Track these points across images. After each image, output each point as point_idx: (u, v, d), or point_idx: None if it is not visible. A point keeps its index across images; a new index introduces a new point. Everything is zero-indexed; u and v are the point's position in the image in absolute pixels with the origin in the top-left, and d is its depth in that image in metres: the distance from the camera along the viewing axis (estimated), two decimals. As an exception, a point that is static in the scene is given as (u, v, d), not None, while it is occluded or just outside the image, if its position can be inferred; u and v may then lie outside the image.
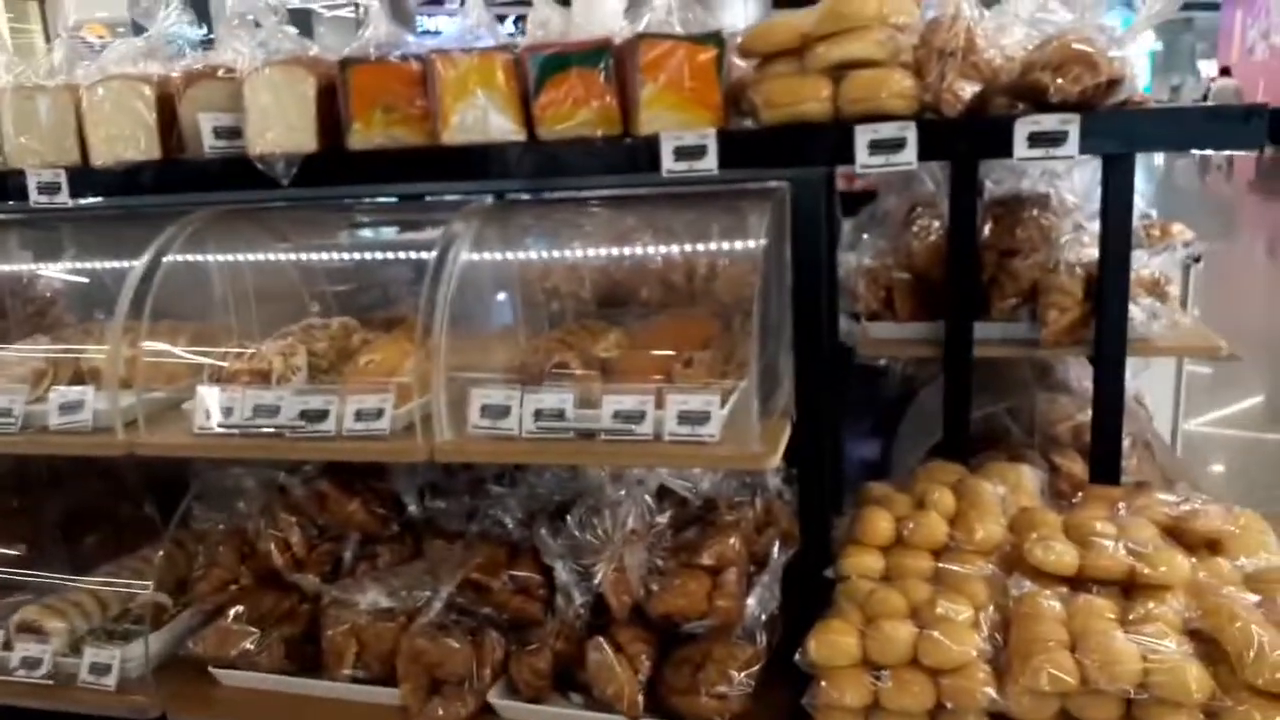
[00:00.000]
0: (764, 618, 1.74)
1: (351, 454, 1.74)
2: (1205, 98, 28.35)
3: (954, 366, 2.10)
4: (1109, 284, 1.91)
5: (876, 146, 1.50)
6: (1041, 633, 1.48)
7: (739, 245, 1.70)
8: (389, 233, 1.98)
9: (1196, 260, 4.05)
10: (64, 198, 1.82)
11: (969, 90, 1.48)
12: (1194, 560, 1.66)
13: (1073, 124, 1.43)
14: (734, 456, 1.55)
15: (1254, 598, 1.55)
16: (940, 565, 1.70)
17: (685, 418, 1.56)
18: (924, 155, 1.49)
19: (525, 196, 1.91)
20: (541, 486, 1.99)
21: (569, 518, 1.78)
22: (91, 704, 1.95)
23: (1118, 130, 1.48)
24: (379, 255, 2.04)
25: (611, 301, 1.99)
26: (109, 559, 2.24)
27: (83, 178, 1.82)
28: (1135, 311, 2.02)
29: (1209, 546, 1.77)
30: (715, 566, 1.76)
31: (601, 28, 1.66)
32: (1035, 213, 2.11)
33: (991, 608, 1.57)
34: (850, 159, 1.51)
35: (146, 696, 1.95)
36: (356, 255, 2.10)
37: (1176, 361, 4.16)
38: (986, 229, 2.12)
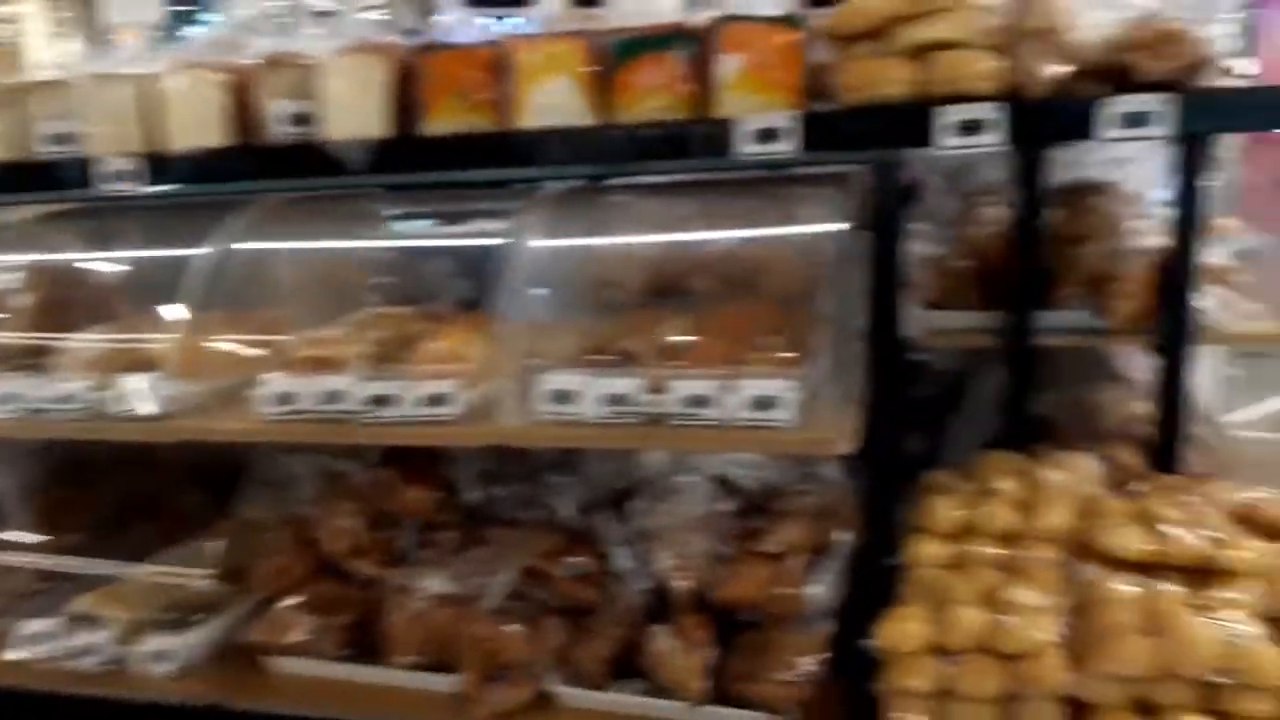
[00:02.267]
0: (827, 605, 1.73)
1: (420, 438, 1.74)
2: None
3: (1015, 356, 2.08)
4: (1179, 270, 1.90)
5: (961, 128, 1.49)
6: (1116, 618, 1.47)
7: (815, 230, 1.69)
8: (464, 220, 1.98)
9: (1253, 255, 4.04)
10: (141, 185, 1.82)
11: (1057, 72, 1.47)
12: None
13: (1171, 104, 1.41)
14: (806, 441, 1.54)
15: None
16: (1008, 552, 1.69)
17: (756, 402, 1.55)
18: (1011, 137, 1.48)
19: (611, 182, 1.90)
20: (599, 475, 1.99)
21: (627, 506, 1.77)
22: (152, 691, 1.96)
23: (1214, 110, 1.46)
24: (452, 243, 2.04)
25: (683, 289, 1.98)
26: (165, 547, 2.24)
27: (159, 165, 1.82)
28: (1205, 300, 2.01)
29: (1273, 535, 1.76)
30: (778, 554, 1.76)
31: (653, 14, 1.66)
32: (1098, 200, 2.09)
33: (1062, 594, 1.56)
34: (930, 142, 1.50)
35: (206, 684, 1.95)
36: (424, 242, 2.10)
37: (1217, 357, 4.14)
38: (1051, 216, 2.10)
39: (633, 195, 1.88)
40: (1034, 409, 2.42)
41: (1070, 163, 2.21)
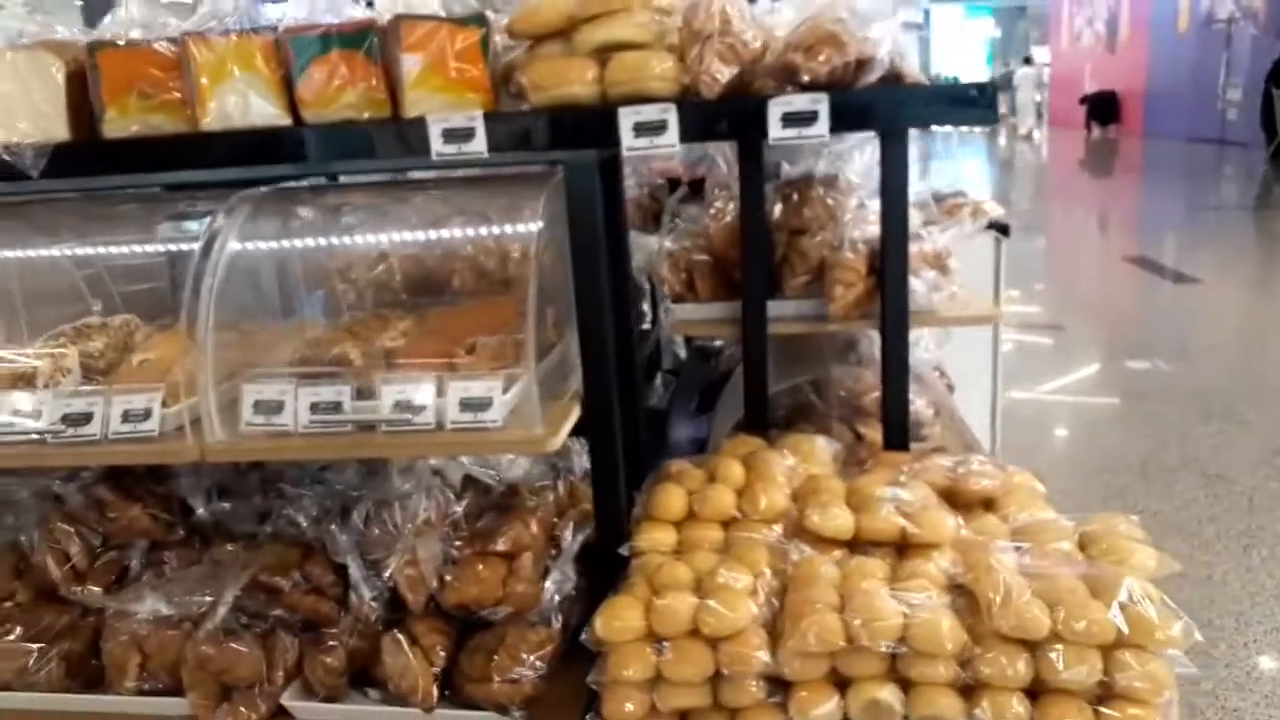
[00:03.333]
0: (558, 599, 1.75)
1: (118, 458, 1.67)
2: (1009, 84, 30.01)
3: (750, 344, 2.15)
4: (889, 259, 2.00)
5: (640, 129, 1.51)
6: (812, 595, 1.54)
7: (514, 229, 1.69)
8: (167, 225, 1.89)
9: (1003, 232, 4.29)
10: None
11: (727, 72, 1.51)
12: (961, 519, 1.76)
13: (821, 103, 1.48)
14: (516, 441, 1.55)
15: (1021, 548, 1.64)
16: (729, 535, 1.75)
17: (467, 405, 1.55)
18: (685, 137, 1.51)
19: (304, 184, 1.85)
20: (340, 484, 1.95)
21: (355, 512, 1.74)
22: None
23: (864, 109, 1.53)
24: (159, 248, 1.95)
25: (415, 290, 1.96)
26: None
27: None
28: (916, 284, 2.12)
29: (985, 505, 1.88)
30: (510, 552, 1.76)
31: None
32: (822, 192, 2.18)
33: (769, 574, 1.62)
34: (616, 142, 1.53)
35: (-90, 729, 1.82)
36: (136, 249, 2.00)
37: (993, 332, 4.40)
38: (778, 209, 2.18)
39: (340, 194, 1.84)
40: (786, 391, 2.53)
41: (803, 155, 2.30)
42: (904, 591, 1.54)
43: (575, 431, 1.69)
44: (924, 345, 2.99)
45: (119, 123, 1.63)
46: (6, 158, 1.61)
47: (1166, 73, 22.17)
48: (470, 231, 1.79)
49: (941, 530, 1.67)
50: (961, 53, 35.92)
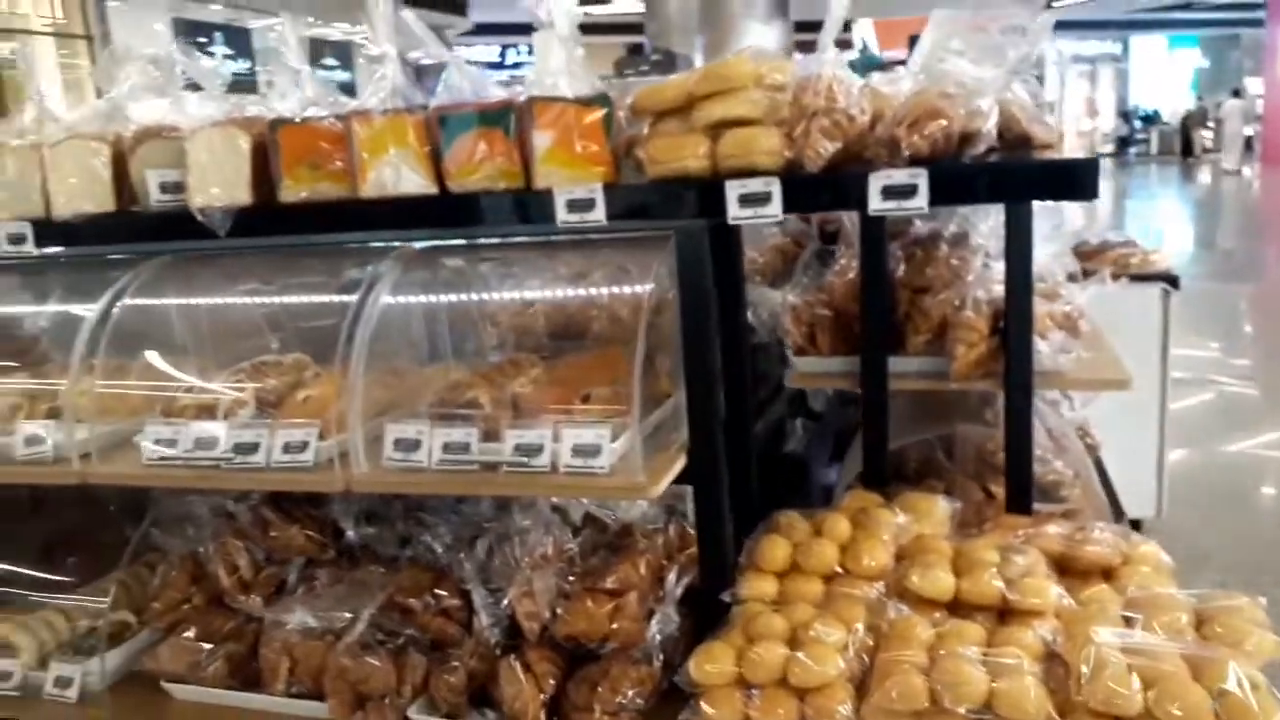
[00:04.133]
0: (660, 639, 1.84)
1: (278, 484, 1.88)
2: (1203, 119, 27.97)
3: (870, 399, 2.19)
4: (1012, 321, 2.00)
5: (746, 200, 1.61)
6: (902, 655, 1.57)
7: (631, 289, 1.82)
8: (338, 276, 2.12)
9: (1172, 284, 4.10)
10: (29, 247, 1.99)
11: (830, 147, 1.59)
12: (1073, 587, 1.74)
13: (920, 178, 1.53)
14: (620, 487, 1.66)
15: (1131, 620, 1.62)
16: (829, 589, 1.80)
17: (579, 450, 1.67)
18: (789, 208, 1.60)
19: (450, 244, 2.05)
20: (475, 515, 2.12)
21: (478, 543, 1.90)
22: (54, 716, 2.10)
23: (963, 183, 1.57)
24: (330, 298, 2.17)
25: (554, 335, 2.12)
26: (89, 581, 2.40)
27: (45, 229, 1.99)
28: (1041, 346, 2.11)
29: (1104, 574, 1.85)
30: (618, 590, 1.87)
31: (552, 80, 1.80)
32: (948, 251, 2.20)
33: (863, 630, 1.66)
34: (724, 211, 1.63)
35: (103, 709, 2.09)
36: (311, 298, 2.24)
37: (1160, 387, 4.19)
38: (902, 267, 2.22)
39: (482, 253, 2.02)
40: (913, 446, 2.54)
41: (934, 214, 2.33)
42: (995, 658, 1.55)
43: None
44: (1067, 404, 2.93)
45: (293, 189, 1.86)
46: (200, 218, 1.87)
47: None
48: (594, 290, 1.93)
49: (1043, 597, 1.66)
50: (1165, 84, 33.97)
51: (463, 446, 1.74)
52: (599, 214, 1.67)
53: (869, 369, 2.16)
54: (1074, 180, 1.53)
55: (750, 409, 2.06)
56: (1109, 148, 34.66)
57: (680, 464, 1.72)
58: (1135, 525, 4.36)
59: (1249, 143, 27.05)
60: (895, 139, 1.58)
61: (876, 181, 1.55)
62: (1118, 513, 2.96)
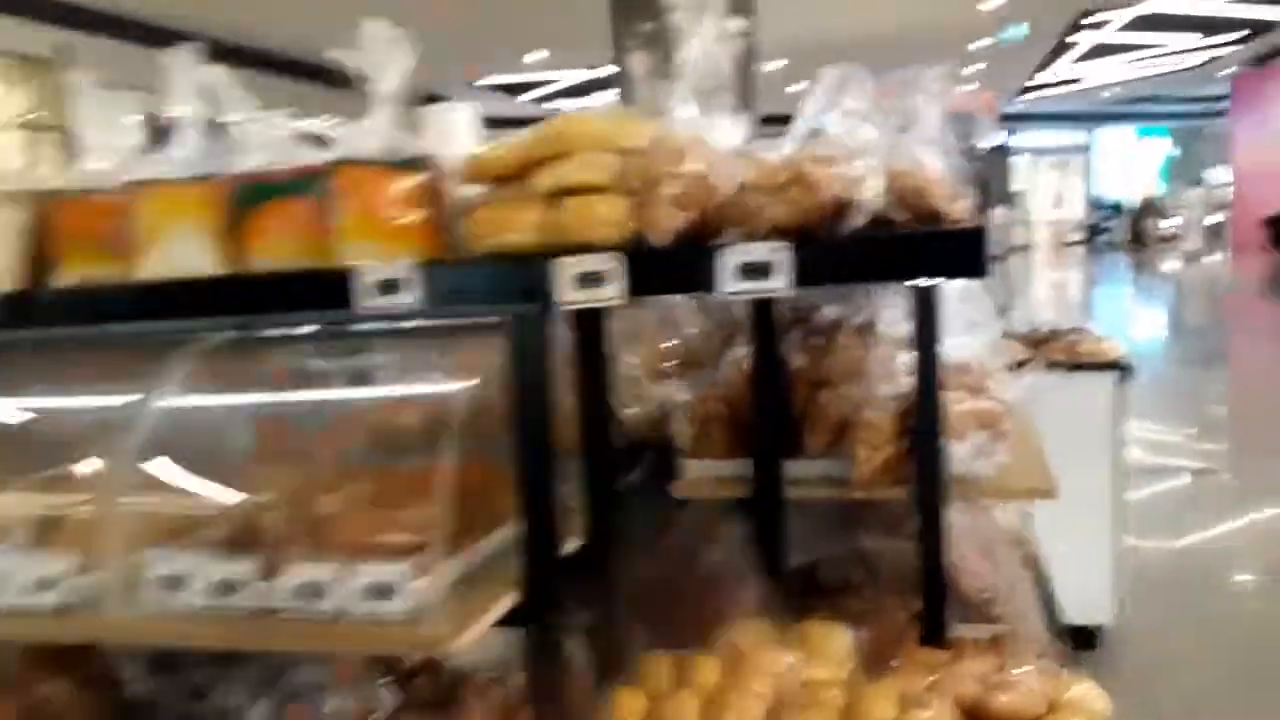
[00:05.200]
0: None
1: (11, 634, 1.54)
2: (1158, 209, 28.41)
3: (764, 510, 1.90)
4: (921, 419, 1.73)
5: (584, 280, 1.34)
6: None
7: (440, 389, 1.52)
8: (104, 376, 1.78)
9: (1126, 372, 3.86)
10: None
11: (680, 217, 1.33)
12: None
13: (780, 253, 1.26)
14: (413, 642, 1.34)
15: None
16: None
17: (371, 592, 1.36)
18: (635, 290, 1.33)
19: (257, 334, 1.75)
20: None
21: (254, 710, 1.56)
22: None
23: (830, 260, 1.31)
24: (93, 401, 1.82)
25: (383, 446, 1.81)
26: None
27: None
28: (957, 449, 1.83)
29: (1031, 723, 1.54)
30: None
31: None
32: (850, 340, 1.93)
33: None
34: (556, 296, 1.36)
35: None
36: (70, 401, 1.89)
37: (1111, 482, 3.91)
38: (800, 358, 1.95)
39: (281, 345, 1.71)
40: (829, 561, 2.24)
41: (841, 299, 2.07)
42: None
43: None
44: (1000, 510, 2.64)
45: (71, 272, 1.58)
46: (-39, 306, 1.58)
47: (1356, 192, 20.56)
48: (422, 388, 1.63)
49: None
50: (1133, 174, 34.62)
51: (233, 586, 1.41)
52: (410, 297, 1.39)
53: (761, 474, 1.88)
54: (957, 255, 1.27)
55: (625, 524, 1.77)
56: (1078, 236, 35.23)
57: (497, 610, 1.41)
58: (1091, 634, 4.05)
59: (1212, 230, 27.46)
60: (749, 208, 1.32)
61: (729, 258, 1.29)
62: (1058, 628, 2.65)
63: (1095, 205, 35.71)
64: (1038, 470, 1.94)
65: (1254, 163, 26.12)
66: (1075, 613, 4.03)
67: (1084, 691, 1.60)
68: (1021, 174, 34.74)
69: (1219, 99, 27.73)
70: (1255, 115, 25.90)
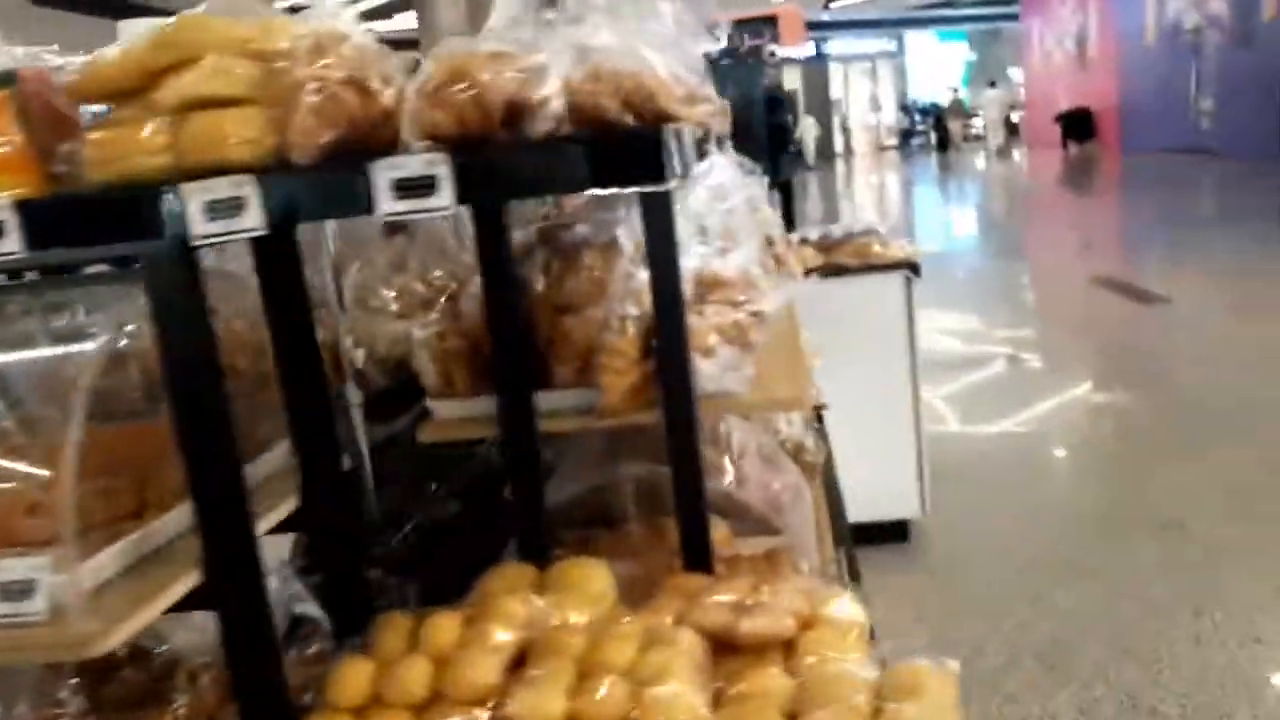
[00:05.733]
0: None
1: None
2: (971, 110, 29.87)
3: (516, 446, 1.76)
4: (663, 338, 1.62)
5: (215, 209, 1.13)
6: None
7: (78, 347, 1.30)
8: None
9: (914, 272, 3.91)
10: None
11: (324, 130, 1.13)
12: (731, 671, 1.36)
13: (439, 166, 1.09)
14: (58, 642, 1.13)
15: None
16: (423, 722, 1.34)
17: (9, 591, 1.15)
18: (275, 219, 1.13)
19: None
20: None
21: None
22: None
23: (500, 172, 1.15)
24: None
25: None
26: None
27: None
28: (705, 366, 1.73)
29: (785, 644, 1.48)
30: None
31: None
32: (591, 260, 1.79)
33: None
34: (189, 230, 1.14)
35: None
36: None
37: (909, 370, 3.98)
38: (541, 283, 1.80)
39: None
40: (590, 490, 2.13)
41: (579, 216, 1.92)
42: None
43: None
44: (784, 419, 2.60)
45: None
46: None
47: (1138, 86, 21.94)
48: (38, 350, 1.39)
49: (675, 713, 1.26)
50: (939, 78, 35.83)
51: None
52: (11, 244, 1.15)
53: (508, 409, 1.73)
54: (633, 162, 1.13)
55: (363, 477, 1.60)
56: (893, 140, 36.43)
57: (176, 590, 1.22)
58: (903, 527, 4.16)
59: (1014, 128, 28.86)
60: (417, 116, 1.14)
61: (383, 173, 1.10)
62: (841, 533, 2.66)
63: (910, 109, 36.89)
64: (792, 381, 1.86)
65: (1045, 63, 27.52)
66: (884, 508, 4.16)
67: (841, 606, 1.54)
68: (836, 82, 35.50)
69: (1013, 1, 28.92)
70: (1044, 17, 27.19)
